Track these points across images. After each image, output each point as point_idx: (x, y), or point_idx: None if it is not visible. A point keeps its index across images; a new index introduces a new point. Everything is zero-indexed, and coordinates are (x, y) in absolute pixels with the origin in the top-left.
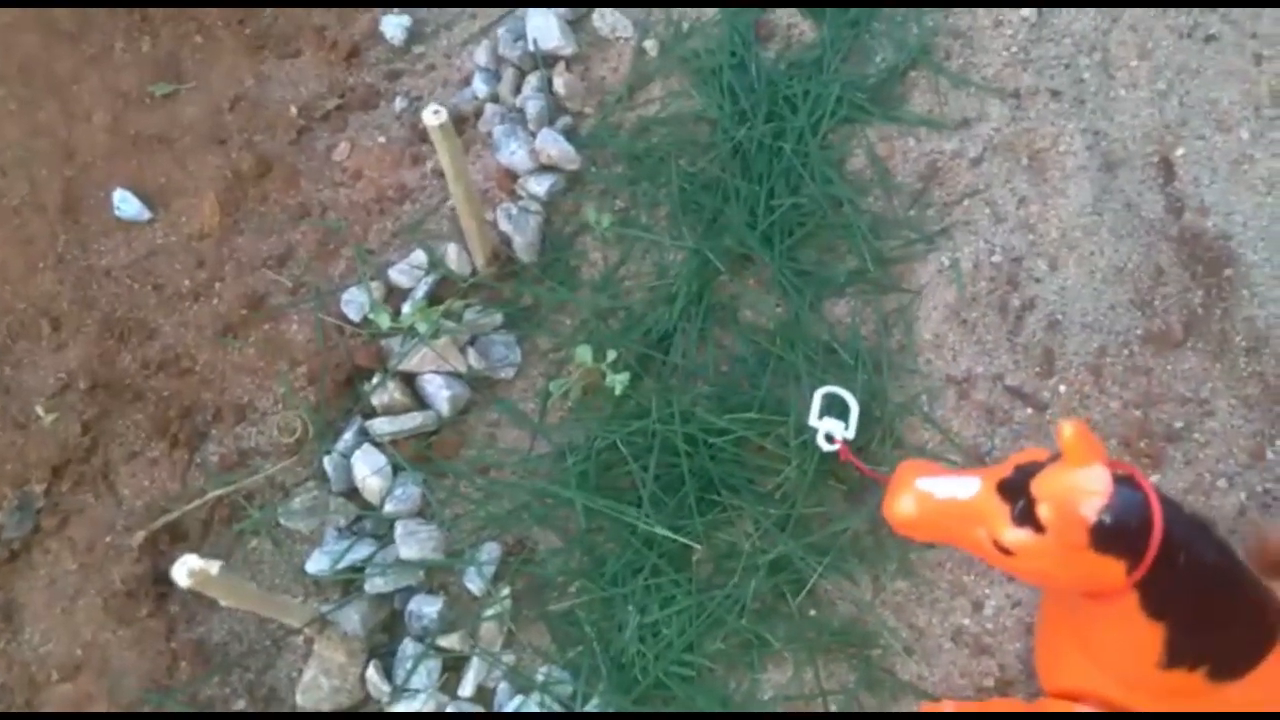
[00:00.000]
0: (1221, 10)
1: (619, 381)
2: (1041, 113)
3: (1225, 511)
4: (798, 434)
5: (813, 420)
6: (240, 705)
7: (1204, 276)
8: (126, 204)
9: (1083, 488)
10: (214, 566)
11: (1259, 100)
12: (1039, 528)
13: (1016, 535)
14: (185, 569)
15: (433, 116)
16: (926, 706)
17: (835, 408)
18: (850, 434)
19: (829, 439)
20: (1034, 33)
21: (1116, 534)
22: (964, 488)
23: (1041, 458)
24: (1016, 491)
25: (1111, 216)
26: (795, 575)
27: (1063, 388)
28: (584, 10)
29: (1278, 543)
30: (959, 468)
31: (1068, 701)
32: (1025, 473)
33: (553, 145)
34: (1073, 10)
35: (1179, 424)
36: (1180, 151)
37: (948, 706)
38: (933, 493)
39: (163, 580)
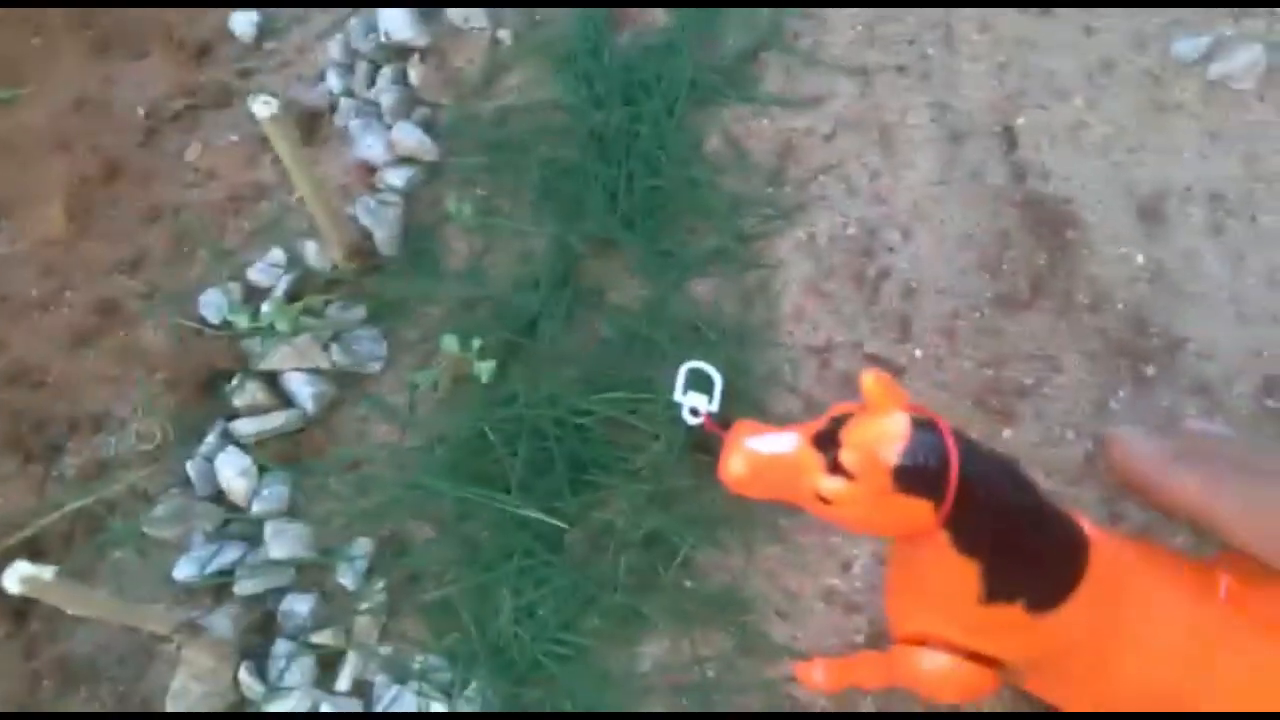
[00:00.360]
0: None
1: (485, 369)
2: (889, 88)
3: (1074, 460)
4: (665, 410)
5: (678, 395)
6: None
7: (1048, 239)
8: None
9: (882, 433)
10: (47, 572)
11: (1091, 69)
12: (850, 475)
13: (831, 484)
14: (15, 575)
15: (262, 108)
16: (799, 666)
17: (701, 382)
18: (714, 407)
19: (694, 412)
20: (879, 11)
21: (916, 475)
22: (784, 442)
23: (853, 409)
24: (829, 442)
25: (959, 186)
26: (669, 548)
27: (918, 351)
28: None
29: (1121, 453)
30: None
31: (915, 647)
32: (838, 423)
33: (409, 137)
34: None
35: (1029, 380)
36: (1021, 121)
37: (817, 665)
38: (758, 450)
39: (19, 599)
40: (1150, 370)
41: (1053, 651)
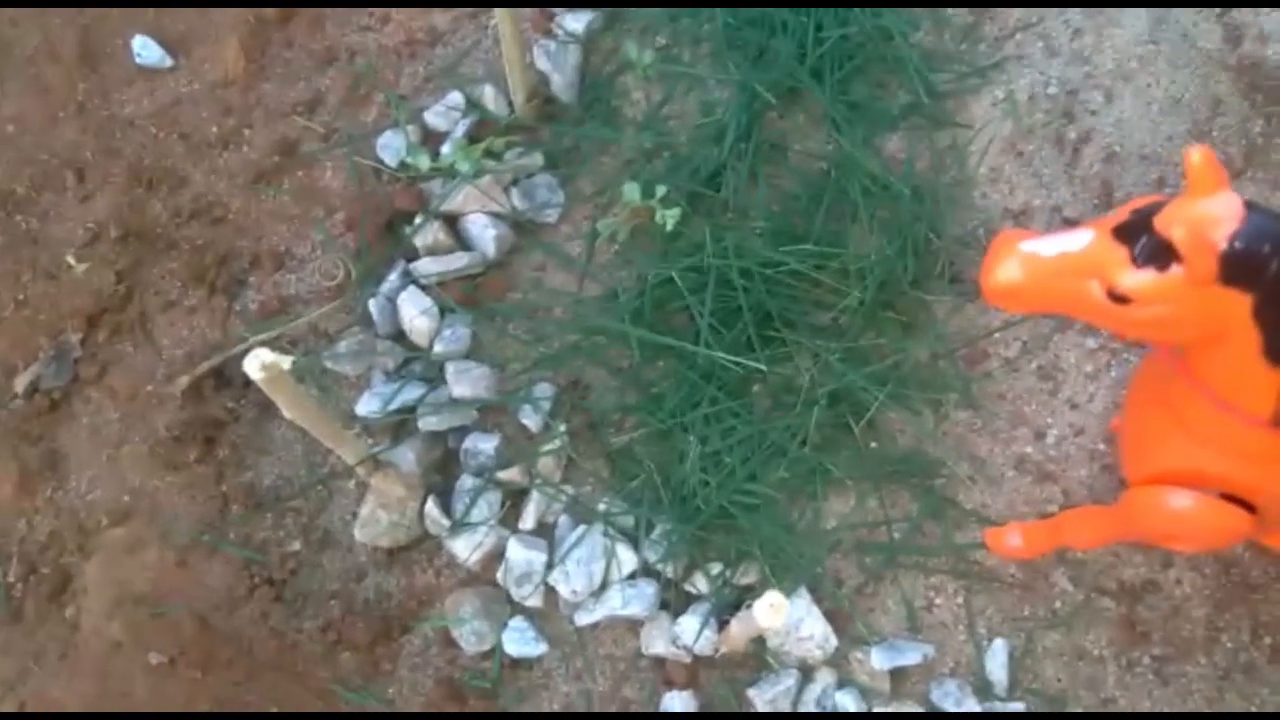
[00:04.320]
0: None
1: (670, 217)
2: None
3: None
4: (856, 265)
5: None
6: (295, 547)
7: (1264, 105)
8: (147, 50)
9: (1216, 214)
10: (285, 361)
11: None
12: (1162, 266)
13: (1137, 278)
14: (258, 361)
15: None
16: (990, 533)
17: None
18: None
19: None
20: None
21: (1248, 261)
22: (1074, 240)
23: (1159, 200)
24: (1136, 233)
25: (1168, 47)
26: (856, 406)
27: None
28: None
29: None
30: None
31: (1160, 487)
32: (1144, 214)
33: None
34: None
35: None
36: None
37: (1013, 529)
38: (1039, 251)
39: (209, 425)
40: None
41: None
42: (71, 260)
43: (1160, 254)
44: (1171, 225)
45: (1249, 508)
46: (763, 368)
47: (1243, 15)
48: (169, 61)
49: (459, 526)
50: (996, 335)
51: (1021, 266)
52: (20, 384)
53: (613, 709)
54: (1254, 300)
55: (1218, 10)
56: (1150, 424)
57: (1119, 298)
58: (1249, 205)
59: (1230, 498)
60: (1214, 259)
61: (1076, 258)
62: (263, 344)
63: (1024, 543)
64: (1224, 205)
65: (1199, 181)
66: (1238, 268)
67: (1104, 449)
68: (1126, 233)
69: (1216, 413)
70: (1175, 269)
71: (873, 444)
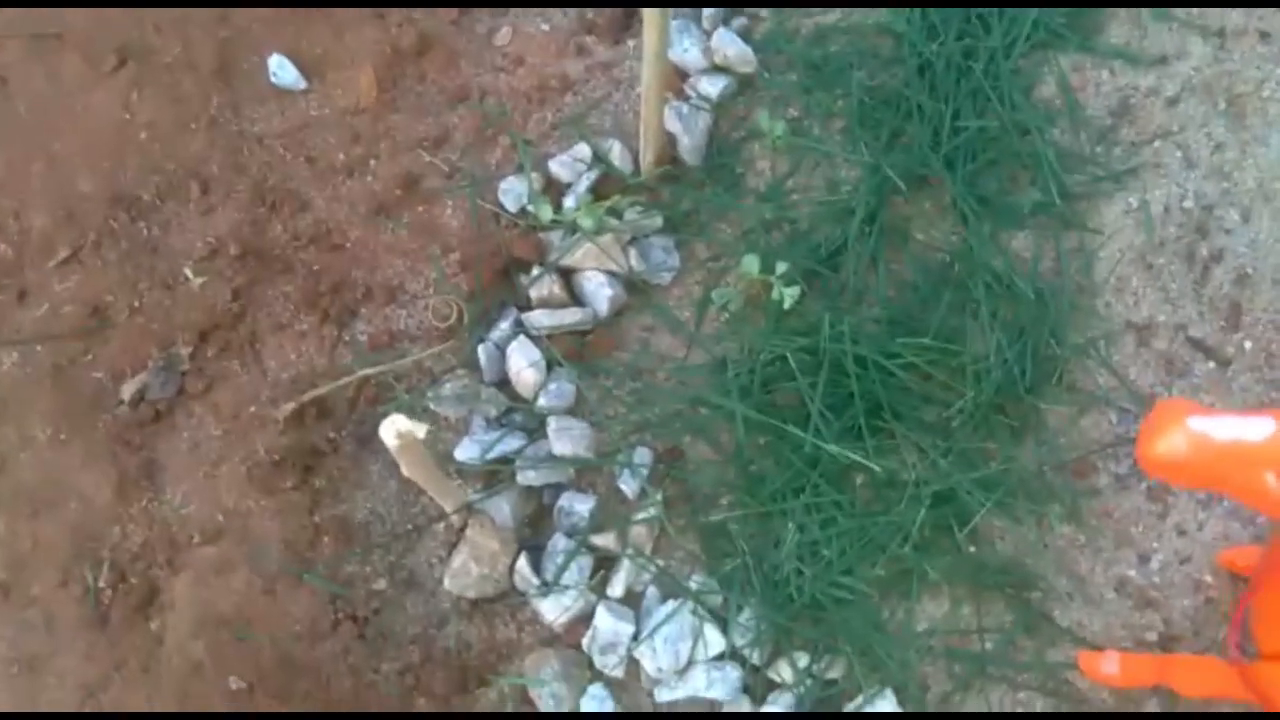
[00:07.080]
0: None
1: (789, 295)
2: (1247, 55)
3: None
4: (972, 365)
5: None
6: (380, 585)
7: None
8: (283, 71)
9: None
10: (420, 430)
11: None
12: None
13: None
14: (393, 429)
15: None
16: (1085, 656)
17: None
18: None
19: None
20: None
21: None
22: (1254, 429)
23: None
24: None
25: None
26: (959, 509)
27: (1248, 344)
28: None
29: None
30: (1225, 409)
31: None
32: None
33: (729, 45)
34: None
35: None
36: None
37: (1111, 656)
38: (1209, 433)
39: (308, 454)
40: None
41: None
42: (189, 273)
43: None
44: None
45: None
46: (875, 467)
47: None
48: (303, 83)
49: (549, 587)
50: (1108, 450)
51: (1188, 443)
52: (127, 391)
53: None
54: None
55: None
56: None
57: None
58: None
59: None
60: None
61: (1255, 449)
62: (369, 378)
63: (1121, 672)
64: None
65: None
66: None
67: (1210, 580)
68: None
69: None
70: None
71: (972, 548)
